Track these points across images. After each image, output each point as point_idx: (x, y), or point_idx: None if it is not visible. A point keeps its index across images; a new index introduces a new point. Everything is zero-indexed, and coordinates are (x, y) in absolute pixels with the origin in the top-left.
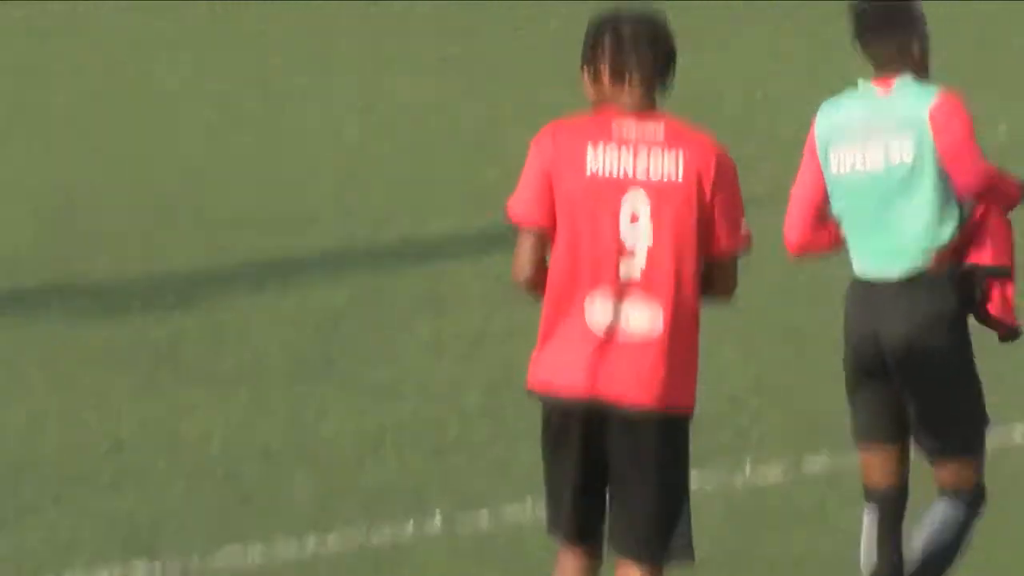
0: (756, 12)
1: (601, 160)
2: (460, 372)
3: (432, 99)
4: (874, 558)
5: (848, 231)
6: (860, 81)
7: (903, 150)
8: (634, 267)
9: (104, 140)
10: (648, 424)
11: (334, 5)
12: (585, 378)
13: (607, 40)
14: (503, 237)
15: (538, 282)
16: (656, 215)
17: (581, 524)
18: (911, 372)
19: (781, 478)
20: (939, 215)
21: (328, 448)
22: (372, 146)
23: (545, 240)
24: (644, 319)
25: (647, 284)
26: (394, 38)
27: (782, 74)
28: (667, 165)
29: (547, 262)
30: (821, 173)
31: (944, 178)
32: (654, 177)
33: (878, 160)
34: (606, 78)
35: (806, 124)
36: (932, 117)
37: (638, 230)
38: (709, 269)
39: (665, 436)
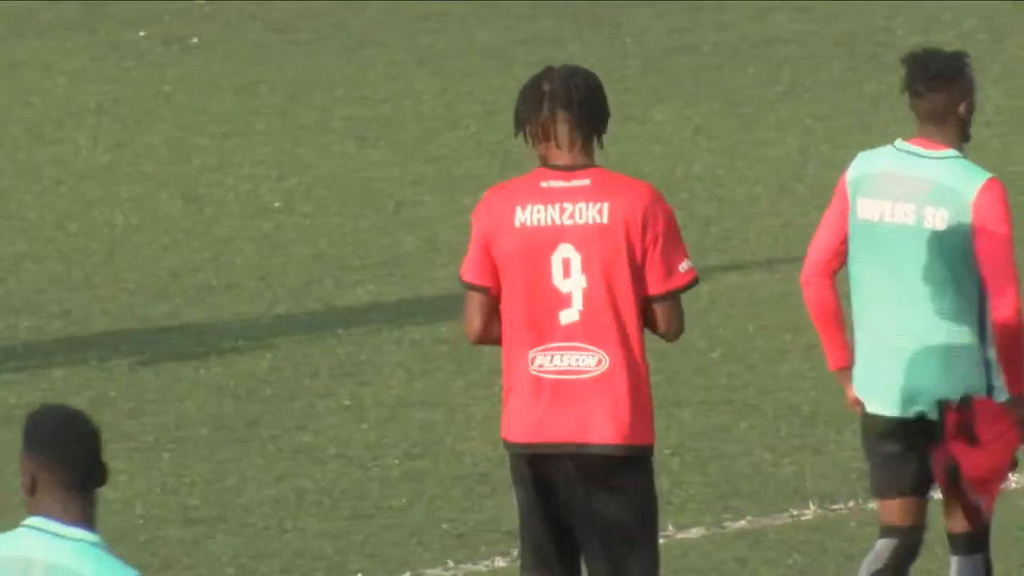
0: (676, 87)
1: (529, 216)
2: (380, 437)
3: (351, 167)
4: (878, 565)
5: (860, 281)
6: (898, 140)
7: (937, 218)
8: (572, 312)
9: (28, 208)
10: (609, 462)
11: (252, 71)
12: (540, 425)
13: (533, 101)
14: (422, 304)
15: (487, 337)
16: (587, 261)
17: (553, 568)
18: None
19: (702, 540)
20: (957, 298)
21: (249, 512)
22: (292, 213)
23: (489, 299)
24: (591, 361)
25: (587, 328)
26: (312, 105)
27: (701, 150)
28: (592, 213)
29: (496, 320)
30: (847, 214)
31: (969, 256)
32: (581, 225)
33: (909, 216)
34: (537, 138)
35: (723, 200)
36: (976, 203)
37: (572, 277)
38: (650, 310)
39: (625, 472)
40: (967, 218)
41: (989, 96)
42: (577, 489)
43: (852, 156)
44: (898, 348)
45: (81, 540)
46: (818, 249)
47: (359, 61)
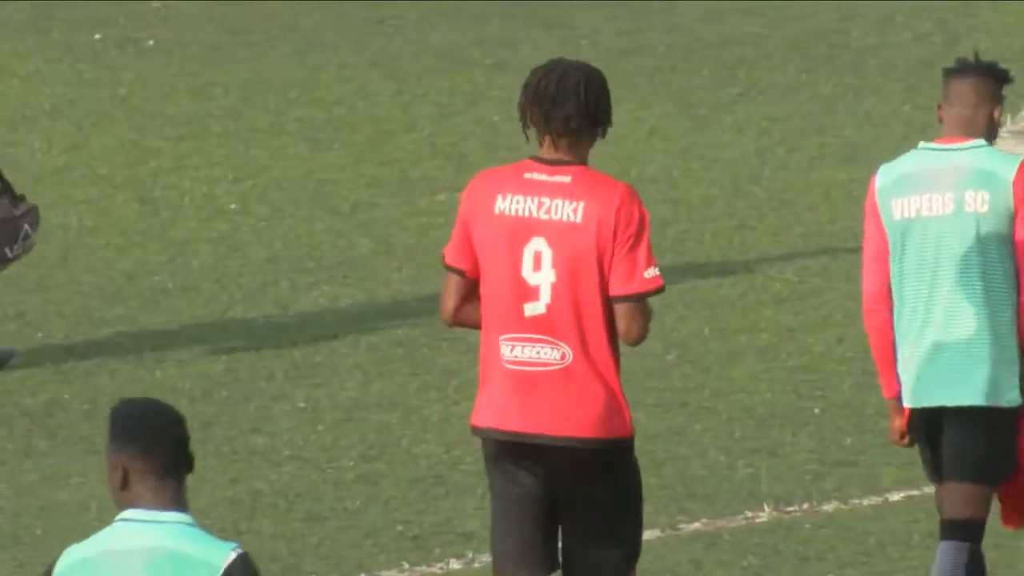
0: (630, 89)
1: (508, 205)
2: (335, 440)
3: (306, 170)
4: None
5: (899, 279)
6: (920, 143)
7: (978, 200)
8: (539, 305)
9: None
10: (583, 455)
11: (207, 73)
12: (512, 415)
13: (529, 93)
14: (377, 307)
15: (460, 319)
16: (558, 257)
17: (526, 558)
18: (957, 422)
19: (657, 542)
20: (1002, 282)
21: (204, 514)
22: (247, 216)
23: (466, 281)
24: (555, 354)
25: (552, 322)
26: (266, 107)
27: (656, 152)
28: (568, 212)
29: (473, 303)
30: (884, 231)
31: (1009, 241)
32: (555, 221)
33: (948, 205)
34: (541, 128)
35: (678, 202)
36: (1016, 183)
37: (541, 270)
38: (614, 311)
39: (603, 463)
40: (1008, 199)
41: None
42: (554, 479)
43: (807, 157)
44: (935, 339)
45: (177, 522)
46: (872, 280)
47: (312, 63)
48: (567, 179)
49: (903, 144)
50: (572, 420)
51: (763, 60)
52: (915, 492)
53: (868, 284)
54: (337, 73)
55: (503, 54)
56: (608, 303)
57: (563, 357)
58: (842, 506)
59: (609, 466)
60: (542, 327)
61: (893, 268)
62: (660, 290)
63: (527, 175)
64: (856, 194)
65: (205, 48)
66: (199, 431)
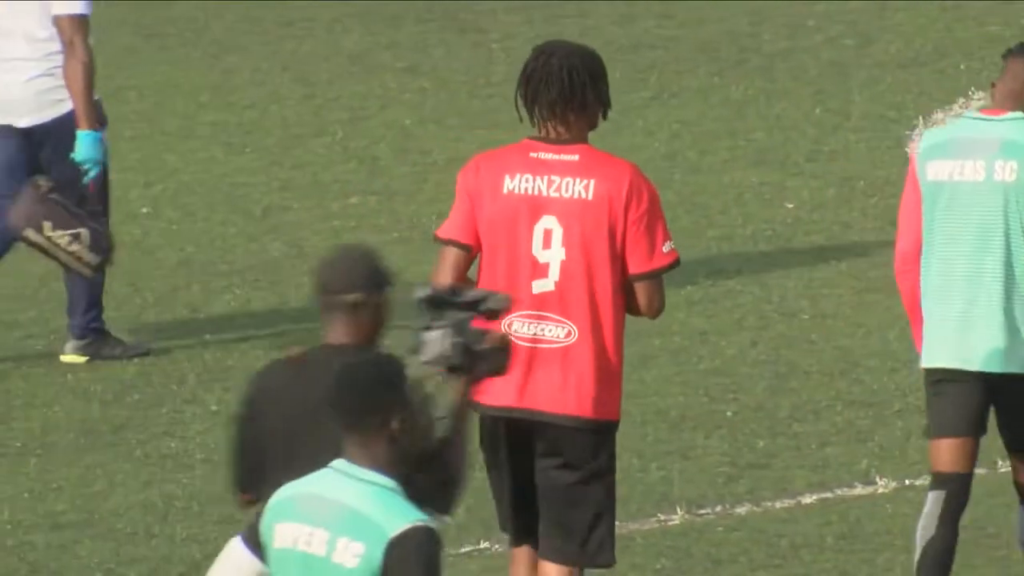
0: None
1: (517, 184)
2: None
3: (218, 173)
4: (932, 532)
5: (930, 242)
6: (967, 112)
7: (1007, 170)
8: (547, 283)
9: None
10: (569, 433)
11: (121, 76)
12: (510, 390)
13: (528, 73)
14: (289, 310)
15: None
16: (568, 235)
17: (522, 524)
18: (1003, 381)
19: None
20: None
21: (116, 518)
22: (159, 219)
23: (466, 258)
24: (560, 332)
25: (560, 299)
26: (177, 111)
27: None
28: (578, 189)
29: (469, 278)
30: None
31: None
32: (566, 199)
33: (980, 173)
34: (529, 109)
35: None
36: None
37: (551, 248)
38: (631, 289)
39: (587, 444)
40: None
41: (855, 102)
42: (544, 458)
43: (718, 160)
44: (965, 303)
45: (374, 483)
46: (906, 240)
47: (223, 67)
48: (575, 157)
49: (814, 147)
50: (569, 398)
51: (674, 63)
52: (828, 495)
53: (901, 243)
54: (249, 77)
55: (415, 58)
56: (616, 282)
57: (568, 335)
58: (755, 509)
59: (595, 446)
60: (549, 304)
61: (924, 229)
62: (677, 263)
63: (532, 154)
64: (768, 197)
65: (119, 51)
66: (111, 434)
